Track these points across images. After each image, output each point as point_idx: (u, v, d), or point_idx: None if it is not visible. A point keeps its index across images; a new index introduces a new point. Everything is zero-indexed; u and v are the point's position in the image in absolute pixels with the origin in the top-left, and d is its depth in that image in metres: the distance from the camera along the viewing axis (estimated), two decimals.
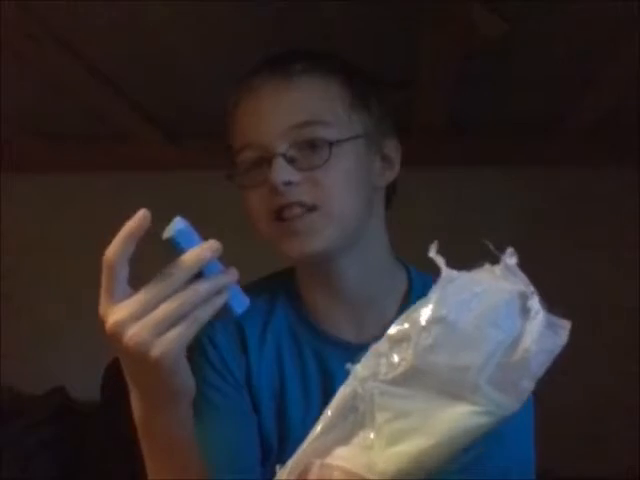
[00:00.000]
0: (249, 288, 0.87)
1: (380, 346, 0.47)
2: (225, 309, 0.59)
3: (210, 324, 0.82)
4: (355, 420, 0.46)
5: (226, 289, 0.58)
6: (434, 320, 0.46)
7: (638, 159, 1.63)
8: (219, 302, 0.57)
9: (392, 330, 0.47)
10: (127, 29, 1.07)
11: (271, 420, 0.80)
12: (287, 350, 0.81)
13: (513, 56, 1.16)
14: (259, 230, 0.76)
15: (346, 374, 0.79)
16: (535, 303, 0.47)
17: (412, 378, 0.45)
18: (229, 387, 0.79)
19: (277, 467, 0.50)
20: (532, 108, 1.49)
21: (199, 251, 0.57)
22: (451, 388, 0.44)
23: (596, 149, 1.68)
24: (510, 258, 0.49)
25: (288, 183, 0.71)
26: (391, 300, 0.81)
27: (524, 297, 0.47)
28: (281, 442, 0.80)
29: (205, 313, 0.56)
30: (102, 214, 1.88)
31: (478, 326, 0.45)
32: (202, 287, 0.56)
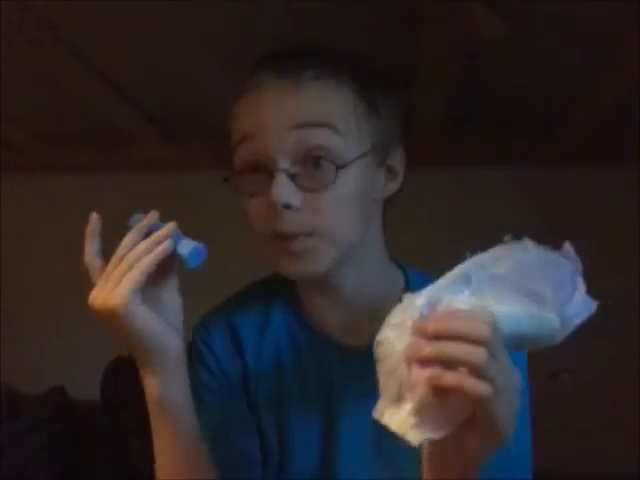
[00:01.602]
0: (244, 292, 0.87)
1: (482, 257, 0.60)
2: (180, 261, 0.69)
3: (205, 329, 0.84)
4: (469, 282, 0.58)
5: (167, 240, 0.67)
6: (520, 248, 0.61)
7: (638, 159, 1.63)
8: (160, 250, 0.66)
9: (493, 250, 0.61)
10: (127, 29, 1.07)
11: (270, 423, 0.80)
12: (286, 353, 0.81)
13: (513, 56, 1.16)
14: (256, 235, 0.74)
15: (352, 375, 0.79)
16: (581, 280, 0.63)
17: (506, 280, 0.58)
18: (225, 389, 0.80)
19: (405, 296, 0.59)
20: (532, 108, 1.49)
21: (140, 224, 0.68)
22: (530, 298, 0.58)
23: (596, 149, 1.68)
24: (567, 244, 0.65)
25: (288, 206, 0.68)
26: (389, 303, 0.81)
27: (574, 273, 0.62)
28: (281, 445, 0.80)
29: (147, 260, 0.65)
30: (102, 214, 1.89)
31: (548, 276, 0.60)
32: (142, 243, 0.66)
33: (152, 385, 0.69)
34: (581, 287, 0.61)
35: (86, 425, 1.66)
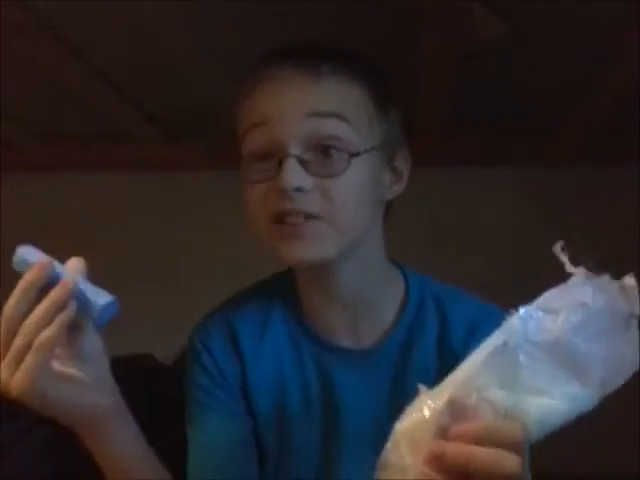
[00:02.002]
0: (243, 293, 0.87)
1: (531, 310, 0.51)
2: (90, 317, 0.56)
3: (206, 331, 0.83)
4: (501, 366, 0.49)
5: (71, 304, 0.55)
6: (580, 305, 0.51)
7: (638, 159, 1.63)
8: (63, 320, 0.55)
9: (542, 300, 0.52)
10: (127, 29, 1.07)
11: (270, 425, 0.80)
12: (287, 356, 0.81)
13: (513, 56, 1.16)
14: (256, 228, 0.72)
15: (353, 379, 0.79)
16: (636, 324, 0.53)
17: (550, 347, 0.50)
18: (222, 391, 0.79)
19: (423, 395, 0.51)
20: (532, 108, 1.49)
21: (30, 273, 0.56)
22: (572, 368, 0.50)
23: (596, 149, 1.68)
24: (630, 280, 0.55)
25: (299, 189, 0.67)
26: (388, 306, 0.81)
27: (631, 315, 0.53)
28: (281, 447, 0.80)
29: (49, 338, 0.54)
30: (102, 214, 1.89)
31: (606, 325, 0.51)
32: (37, 310, 0.54)
33: (93, 446, 0.67)
34: (634, 337, 0.52)
35: None
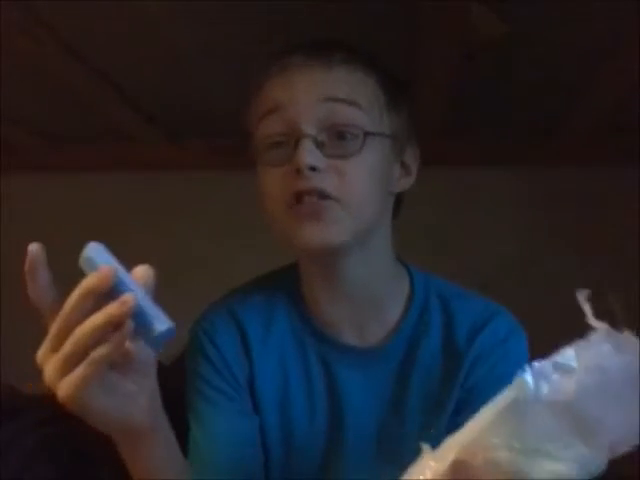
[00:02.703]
0: (248, 287, 0.87)
1: (545, 367, 0.48)
2: (145, 338, 0.53)
3: (211, 323, 0.83)
4: (511, 425, 0.47)
5: (125, 323, 0.51)
6: (596, 368, 0.47)
7: (638, 159, 1.63)
8: (120, 339, 0.52)
9: (559, 358, 0.48)
10: (127, 29, 1.07)
11: (274, 422, 0.80)
12: (291, 353, 0.80)
13: (513, 56, 1.16)
14: (272, 214, 0.72)
15: (357, 376, 0.78)
16: None
17: (561, 409, 0.47)
18: (229, 387, 0.79)
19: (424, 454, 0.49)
20: (532, 108, 1.49)
21: (91, 279, 0.52)
22: (582, 432, 0.47)
23: (596, 149, 1.68)
24: None
25: (314, 168, 0.68)
26: (394, 304, 0.81)
27: None
28: (285, 444, 0.80)
29: (103, 354, 0.52)
30: (102, 214, 1.89)
31: (623, 389, 0.48)
32: (92, 322, 0.51)
33: (128, 455, 0.65)
34: None
35: (86, 425, 1.66)
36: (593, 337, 0.48)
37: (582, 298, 0.48)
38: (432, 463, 0.47)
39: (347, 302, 0.79)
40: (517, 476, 0.46)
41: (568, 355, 0.48)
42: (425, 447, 0.48)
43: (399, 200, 0.82)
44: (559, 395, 0.47)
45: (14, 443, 1.53)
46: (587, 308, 0.48)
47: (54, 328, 0.53)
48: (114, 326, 0.51)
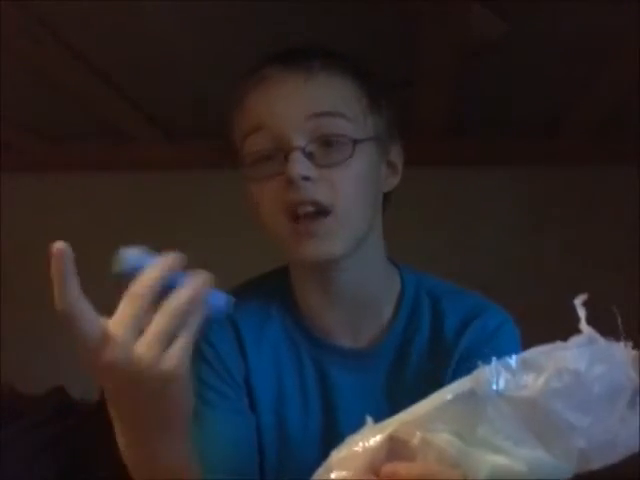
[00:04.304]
0: (242, 289, 0.87)
1: (511, 361, 0.47)
2: (209, 311, 0.57)
3: (205, 323, 0.82)
4: (462, 414, 0.46)
5: (203, 292, 0.55)
6: (569, 370, 0.46)
7: (638, 159, 1.63)
8: (201, 309, 0.55)
9: (527, 354, 0.47)
10: (127, 29, 1.07)
11: (270, 422, 0.80)
12: (285, 355, 0.80)
13: (513, 56, 1.16)
14: (268, 227, 0.73)
15: (350, 378, 0.78)
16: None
17: (523, 406, 0.46)
18: (227, 387, 0.79)
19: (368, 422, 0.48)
20: (532, 108, 1.49)
21: (161, 263, 0.54)
22: (545, 433, 0.46)
23: (596, 149, 1.68)
24: None
25: (306, 178, 0.68)
26: (386, 304, 0.81)
27: (637, 392, 0.47)
28: (279, 445, 0.80)
29: (195, 318, 0.55)
30: (102, 214, 1.89)
31: (598, 397, 0.46)
32: (182, 294, 0.54)
33: (161, 450, 0.61)
34: (636, 419, 0.47)
35: (86, 425, 1.66)
36: (573, 340, 0.47)
37: (578, 303, 0.48)
38: (369, 435, 0.47)
39: (340, 306, 0.79)
40: (454, 462, 0.45)
41: (539, 353, 0.47)
42: (368, 419, 0.48)
43: (387, 198, 0.82)
44: (523, 392, 0.46)
45: (14, 443, 1.53)
46: (582, 312, 0.47)
47: (131, 310, 0.52)
48: (197, 300, 0.54)
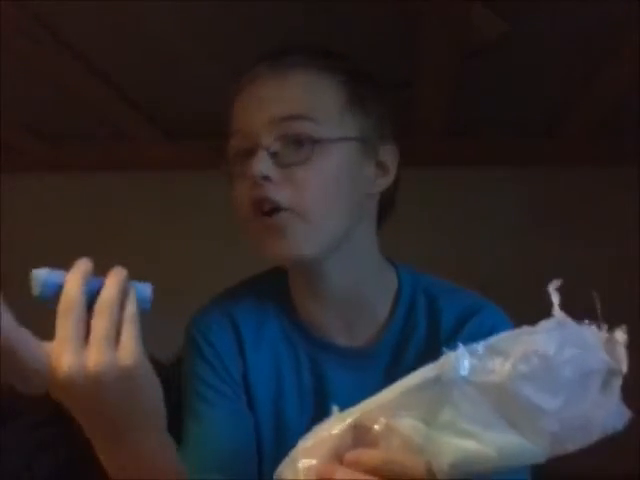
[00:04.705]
0: (240, 288, 0.87)
1: (477, 347, 0.47)
2: (139, 302, 0.58)
3: (205, 322, 0.83)
4: (428, 400, 0.46)
5: (126, 285, 0.56)
6: (537, 353, 0.46)
7: (638, 159, 1.63)
8: (133, 296, 0.56)
9: (494, 340, 0.47)
10: (127, 29, 1.07)
11: (268, 420, 0.80)
12: (283, 353, 0.81)
13: (513, 56, 1.16)
14: (242, 224, 0.75)
15: (347, 377, 0.78)
16: (618, 384, 0.48)
17: (491, 391, 0.46)
18: (226, 385, 0.79)
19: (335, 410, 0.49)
20: (532, 108, 1.49)
21: (75, 272, 0.55)
22: (515, 417, 0.46)
23: (596, 149, 1.68)
24: (622, 335, 0.49)
25: (266, 177, 0.70)
26: (382, 302, 0.81)
27: (613, 373, 0.48)
28: (277, 442, 0.80)
29: (131, 310, 0.55)
30: (102, 214, 1.89)
31: (569, 380, 0.46)
32: (108, 293, 0.54)
33: (142, 448, 0.60)
34: (609, 401, 0.47)
35: None
36: (542, 324, 0.47)
37: (552, 289, 0.48)
38: (335, 423, 0.47)
39: (332, 305, 0.79)
40: (418, 447, 0.45)
41: (505, 339, 0.47)
42: (335, 408, 0.49)
43: (389, 200, 0.81)
44: (487, 376, 0.46)
45: (14, 443, 1.53)
46: (555, 297, 0.48)
47: (69, 325, 0.53)
48: (125, 292, 0.55)
